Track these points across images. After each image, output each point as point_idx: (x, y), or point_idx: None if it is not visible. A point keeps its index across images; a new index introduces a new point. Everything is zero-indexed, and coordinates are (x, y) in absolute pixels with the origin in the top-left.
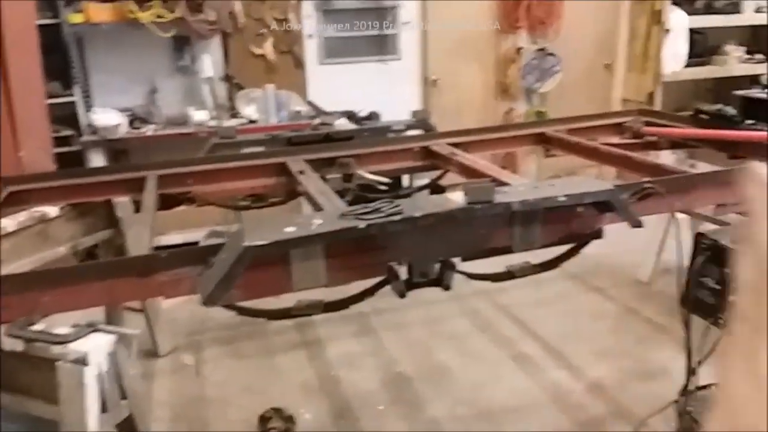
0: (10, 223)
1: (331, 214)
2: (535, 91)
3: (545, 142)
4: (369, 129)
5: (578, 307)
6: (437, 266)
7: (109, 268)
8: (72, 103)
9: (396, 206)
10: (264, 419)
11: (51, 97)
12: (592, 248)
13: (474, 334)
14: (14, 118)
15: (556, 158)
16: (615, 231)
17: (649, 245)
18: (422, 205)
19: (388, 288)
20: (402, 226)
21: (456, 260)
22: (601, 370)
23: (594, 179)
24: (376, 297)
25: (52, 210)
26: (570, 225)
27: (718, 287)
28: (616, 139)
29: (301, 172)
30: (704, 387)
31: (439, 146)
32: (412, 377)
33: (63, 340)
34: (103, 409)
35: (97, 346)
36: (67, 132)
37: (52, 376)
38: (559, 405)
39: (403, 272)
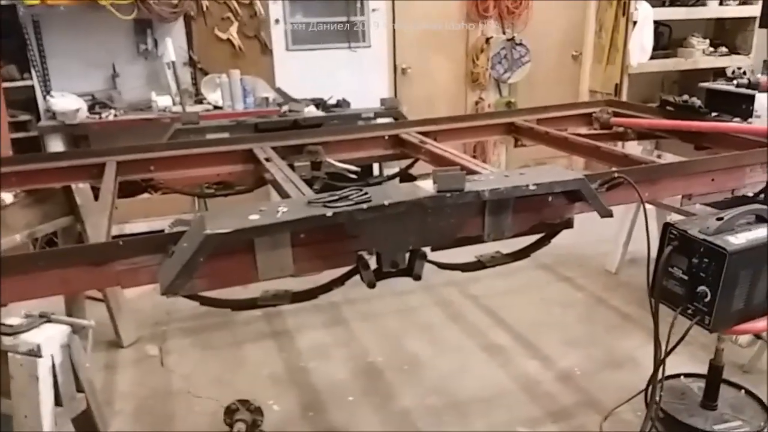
0: None
1: (298, 201)
2: (505, 82)
3: (515, 132)
4: (338, 116)
5: (548, 296)
6: (407, 256)
7: (63, 255)
8: (29, 87)
9: (364, 194)
10: (230, 411)
11: (7, 80)
12: (561, 238)
13: (445, 324)
14: None
15: (525, 148)
16: (583, 221)
17: (617, 236)
18: (391, 193)
19: (359, 278)
20: (370, 214)
21: (426, 249)
22: (571, 360)
23: (561, 169)
24: (347, 286)
25: (6, 196)
26: (540, 214)
27: (686, 277)
28: (584, 130)
29: (268, 160)
30: (672, 377)
31: (409, 135)
32: (383, 368)
33: (14, 331)
34: (58, 402)
35: (50, 338)
36: (25, 117)
37: (3, 368)
38: (528, 394)
39: (373, 262)
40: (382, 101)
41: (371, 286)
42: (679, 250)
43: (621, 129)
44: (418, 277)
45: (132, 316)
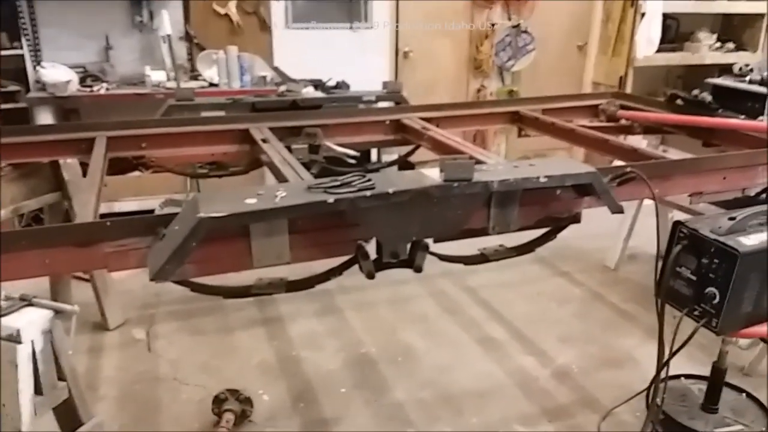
0: None
1: (297, 186)
2: (508, 70)
3: (519, 121)
4: (338, 98)
5: (545, 291)
6: (408, 246)
7: (46, 235)
8: (19, 56)
9: (368, 181)
10: (219, 401)
11: None
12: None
13: (440, 315)
14: None
15: (525, 139)
16: (583, 215)
17: (617, 231)
18: (396, 180)
19: (354, 267)
20: (373, 202)
21: (428, 241)
22: (568, 356)
23: (573, 161)
24: (346, 276)
25: None
26: (548, 208)
27: (694, 278)
28: (588, 122)
29: (265, 141)
30: (672, 378)
31: (411, 120)
32: (376, 359)
33: None
34: (38, 391)
35: (30, 322)
36: (14, 87)
37: None
38: (524, 391)
39: (372, 251)
40: (385, 84)
41: (370, 276)
42: (688, 250)
43: (627, 122)
44: (419, 269)
45: (119, 298)
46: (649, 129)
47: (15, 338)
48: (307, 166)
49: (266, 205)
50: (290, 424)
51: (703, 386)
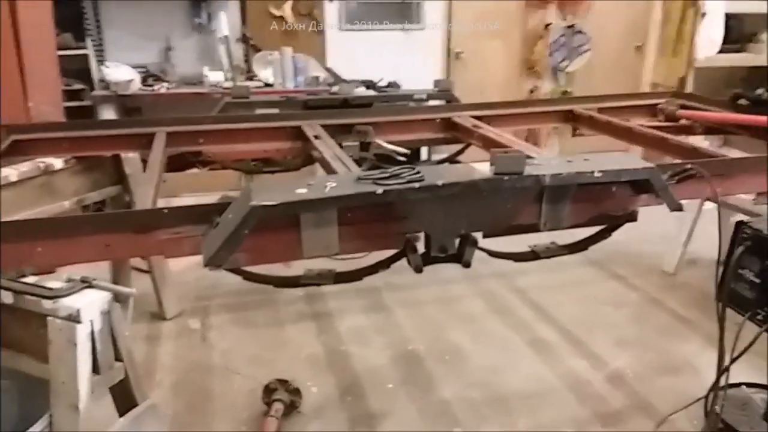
0: (12, 172)
1: (347, 177)
2: (562, 70)
3: (573, 120)
4: (389, 97)
5: (599, 294)
6: (457, 241)
7: (106, 221)
8: (84, 56)
9: (416, 173)
10: (269, 390)
11: (63, 48)
12: (615, 234)
13: (489, 316)
14: (23, 67)
15: (578, 139)
16: (640, 218)
17: (677, 234)
18: (445, 173)
19: (401, 263)
20: (422, 194)
21: (477, 236)
22: (622, 361)
23: (630, 156)
24: (389, 272)
25: (57, 162)
26: (602, 205)
27: (757, 281)
28: (646, 122)
29: (317, 137)
30: (733, 386)
31: (462, 118)
32: (424, 357)
33: (54, 295)
34: (96, 370)
35: (90, 303)
36: (79, 86)
37: (42, 332)
38: (576, 394)
39: (421, 246)
40: (436, 83)
41: (418, 270)
42: (751, 251)
43: (687, 122)
44: (467, 264)
45: (176, 289)
46: (710, 129)
47: (75, 318)
48: (357, 163)
49: (316, 194)
50: (338, 417)
51: (765, 395)
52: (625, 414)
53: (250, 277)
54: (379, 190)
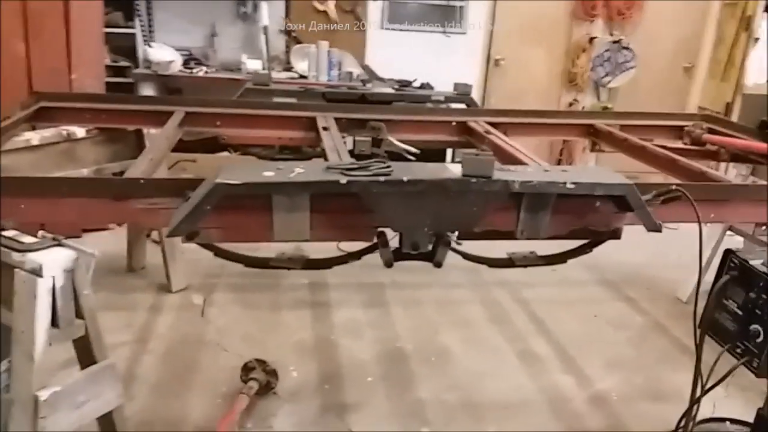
0: (34, 136)
1: (317, 165)
2: (604, 86)
3: (593, 135)
4: (407, 96)
5: (604, 314)
6: (431, 240)
7: (85, 185)
8: (132, 35)
9: (386, 167)
10: (247, 369)
11: (112, 26)
12: (634, 256)
13: (486, 323)
14: (70, 41)
15: (618, 159)
16: (661, 240)
17: (695, 262)
18: (416, 170)
19: (412, 263)
20: (386, 188)
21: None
22: (610, 382)
23: (610, 171)
24: (396, 270)
25: (80, 131)
26: (584, 219)
27: (740, 312)
28: (672, 143)
29: (325, 129)
30: (717, 420)
31: (477, 124)
32: (410, 355)
33: (24, 248)
34: (56, 324)
35: (53, 260)
36: (124, 63)
37: (11, 283)
38: (554, 411)
39: (397, 242)
40: (455, 86)
41: (388, 265)
42: (737, 281)
43: (713, 147)
44: (438, 264)
45: (186, 265)
46: (736, 157)
47: (37, 272)
48: (368, 158)
49: (281, 178)
50: (311, 403)
51: None
52: None
53: (220, 253)
54: (343, 180)
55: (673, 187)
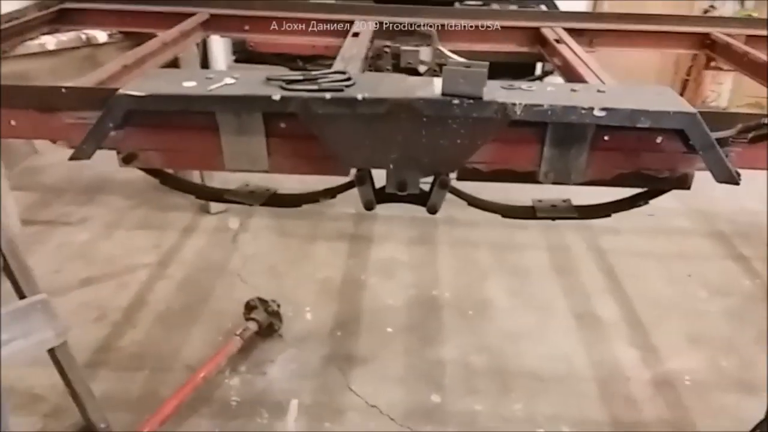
0: (51, 40)
1: (257, 77)
2: None
3: (709, 48)
4: None
5: (701, 274)
6: (419, 179)
7: (6, 93)
8: None
9: (345, 80)
10: (249, 307)
11: None
12: (757, 202)
13: (545, 273)
14: None
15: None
16: None
17: None
18: (384, 87)
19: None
20: (333, 108)
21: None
22: (686, 362)
23: (671, 96)
24: (452, 204)
25: (101, 35)
26: (638, 159)
27: None
28: None
29: (356, 35)
30: None
31: (553, 31)
32: (444, 305)
33: None
34: None
35: None
36: None
37: None
38: (602, 391)
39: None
40: None
41: (368, 207)
42: None
43: None
44: (433, 210)
45: (230, 185)
46: None
47: None
48: (415, 72)
49: (197, 91)
50: (316, 350)
51: None
52: (652, 429)
53: (167, 181)
54: (277, 95)
55: (766, 120)
